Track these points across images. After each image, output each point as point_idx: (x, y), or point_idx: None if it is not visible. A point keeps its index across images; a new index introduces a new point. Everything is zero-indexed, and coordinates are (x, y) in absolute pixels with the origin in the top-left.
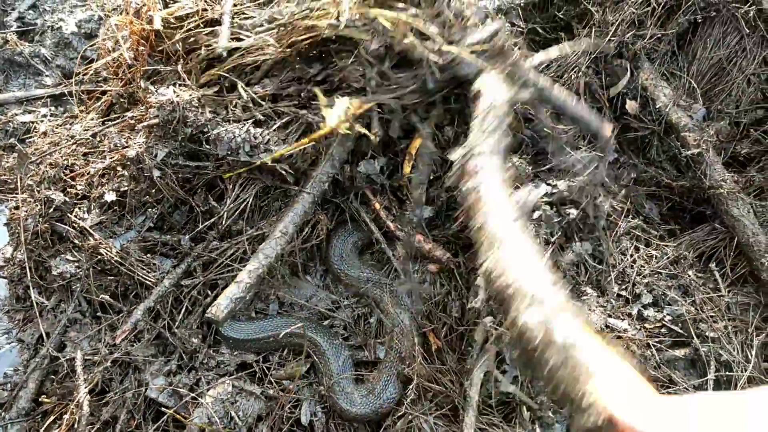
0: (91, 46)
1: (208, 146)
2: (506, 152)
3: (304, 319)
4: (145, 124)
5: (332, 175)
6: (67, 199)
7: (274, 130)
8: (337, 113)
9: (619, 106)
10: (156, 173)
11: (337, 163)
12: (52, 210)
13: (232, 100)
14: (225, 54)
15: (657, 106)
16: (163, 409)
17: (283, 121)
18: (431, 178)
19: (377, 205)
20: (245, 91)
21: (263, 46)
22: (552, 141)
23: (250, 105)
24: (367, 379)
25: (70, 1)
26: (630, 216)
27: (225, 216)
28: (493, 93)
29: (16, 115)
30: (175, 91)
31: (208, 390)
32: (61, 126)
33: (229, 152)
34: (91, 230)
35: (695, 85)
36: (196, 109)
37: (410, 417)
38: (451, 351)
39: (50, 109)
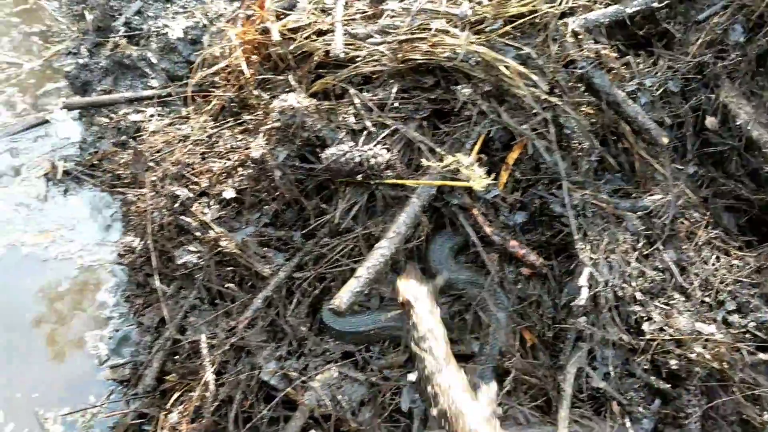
0: (197, 52)
1: (319, 157)
2: None
3: (401, 313)
4: (268, 126)
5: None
6: (190, 194)
7: (382, 144)
8: (484, 180)
9: (699, 120)
10: (277, 173)
11: None
12: (177, 205)
13: (346, 108)
14: (342, 55)
15: (737, 123)
16: (272, 392)
17: (390, 130)
18: (525, 186)
19: (475, 211)
20: (358, 97)
21: (379, 57)
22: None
23: (362, 113)
24: (464, 370)
25: (172, 8)
26: (709, 227)
27: (337, 216)
28: None
29: (127, 114)
30: (296, 98)
31: (315, 375)
32: (170, 126)
33: (345, 175)
34: (211, 224)
35: None
36: (313, 115)
37: (506, 407)
38: (545, 348)
39: (157, 110)
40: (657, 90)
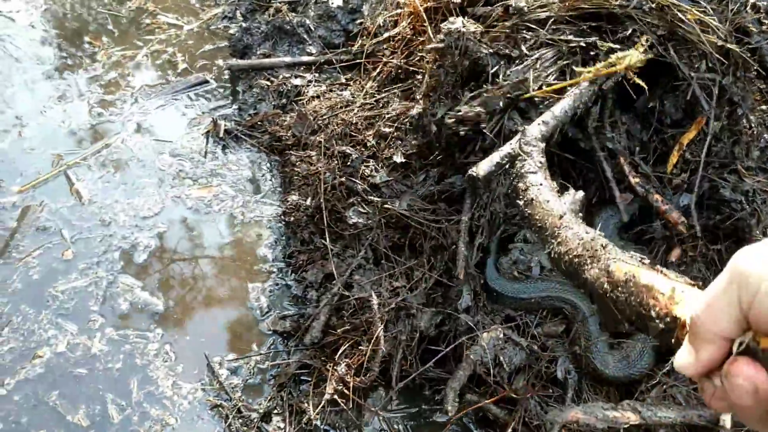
0: (355, 21)
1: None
2: None
3: (563, 283)
4: (431, 46)
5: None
6: (359, 155)
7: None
8: (635, 55)
9: None
10: (433, 128)
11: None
12: (347, 165)
13: (511, 36)
14: (526, 9)
15: None
16: (427, 356)
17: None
18: (694, 167)
19: (622, 159)
20: (519, 33)
21: (547, 3)
22: None
23: (519, 38)
24: (623, 346)
25: None
26: None
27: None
28: None
29: (287, 78)
30: (463, 23)
31: (482, 333)
32: (330, 92)
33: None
34: (380, 187)
35: None
36: (476, 43)
37: (665, 386)
38: None
39: (314, 76)
40: None
